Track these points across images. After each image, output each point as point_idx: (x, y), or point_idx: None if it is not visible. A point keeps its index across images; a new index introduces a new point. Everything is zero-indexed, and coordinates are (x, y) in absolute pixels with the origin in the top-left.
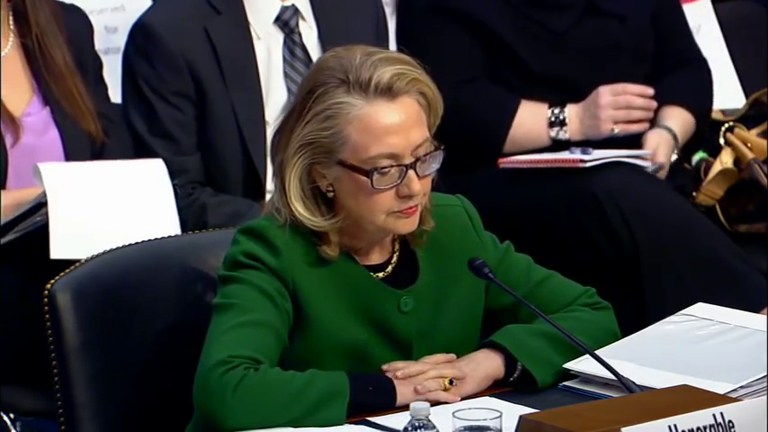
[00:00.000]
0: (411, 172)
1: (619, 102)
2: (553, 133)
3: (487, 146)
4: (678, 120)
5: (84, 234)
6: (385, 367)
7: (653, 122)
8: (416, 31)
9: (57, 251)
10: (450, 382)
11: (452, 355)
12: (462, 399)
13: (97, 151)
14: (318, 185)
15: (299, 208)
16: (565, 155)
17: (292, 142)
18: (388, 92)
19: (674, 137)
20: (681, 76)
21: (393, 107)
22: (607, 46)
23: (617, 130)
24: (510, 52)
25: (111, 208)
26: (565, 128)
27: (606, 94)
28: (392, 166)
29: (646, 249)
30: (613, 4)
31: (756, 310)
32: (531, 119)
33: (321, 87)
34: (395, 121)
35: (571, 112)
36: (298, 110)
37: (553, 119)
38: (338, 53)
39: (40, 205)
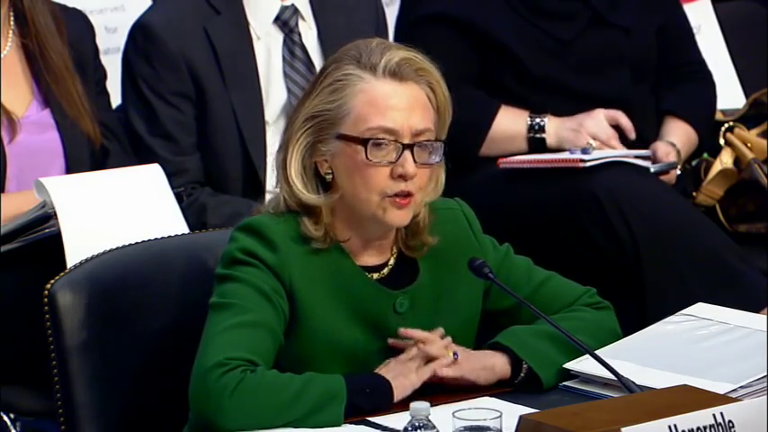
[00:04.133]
0: (407, 153)
1: (607, 128)
2: (531, 133)
3: (465, 148)
4: (682, 135)
5: (98, 244)
6: (402, 331)
7: (657, 135)
8: (413, 37)
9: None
10: (455, 355)
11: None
12: (462, 398)
13: (98, 156)
14: (318, 165)
15: (298, 184)
16: (565, 155)
17: (299, 116)
18: (396, 74)
19: (678, 153)
20: (686, 90)
21: (399, 88)
22: (610, 57)
23: (594, 145)
24: (512, 58)
25: (119, 215)
26: (543, 134)
27: (599, 116)
28: (389, 142)
29: (646, 249)
30: (619, 16)
31: (756, 309)
32: (510, 124)
33: (334, 64)
34: (399, 100)
35: (551, 122)
36: (310, 88)
37: (534, 125)
38: (357, 41)
39: (48, 217)
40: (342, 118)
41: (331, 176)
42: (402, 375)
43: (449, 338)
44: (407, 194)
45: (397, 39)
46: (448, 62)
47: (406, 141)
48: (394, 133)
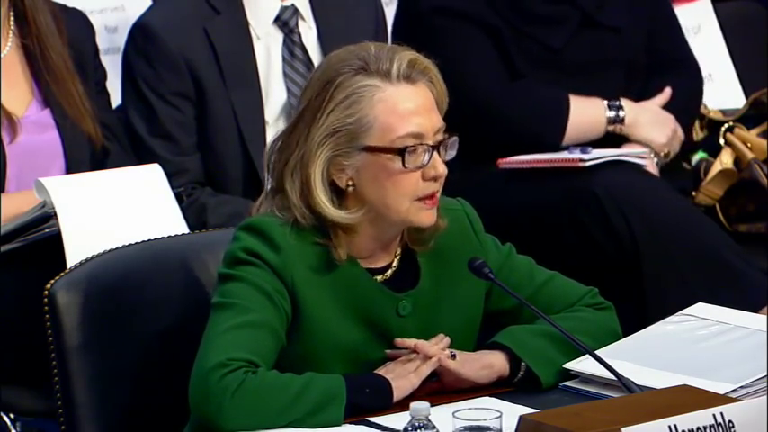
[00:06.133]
0: (436, 153)
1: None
2: (611, 128)
3: (546, 141)
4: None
5: (98, 244)
6: (398, 341)
7: None
8: (425, 28)
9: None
10: (453, 356)
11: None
12: (462, 398)
13: (98, 156)
14: (335, 180)
15: (326, 201)
16: (564, 154)
17: (313, 135)
18: (409, 77)
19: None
20: (666, 81)
21: (414, 90)
22: (602, 60)
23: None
24: (508, 62)
25: (119, 215)
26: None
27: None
28: (419, 145)
29: (646, 248)
30: (609, 15)
31: (756, 309)
32: (587, 114)
33: (339, 77)
34: (418, 103)
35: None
36: (315, 105)
37: (611, 116)
38: (347, 48)
39: (48, 217)
40: (365, 131)
41: (352, 188)
42: (401, 376)
43: (447, 339)
44: (434, 193)
45: (403, 35)
46: (465, 49)
47: (431, 143)
48: (421, 137)
